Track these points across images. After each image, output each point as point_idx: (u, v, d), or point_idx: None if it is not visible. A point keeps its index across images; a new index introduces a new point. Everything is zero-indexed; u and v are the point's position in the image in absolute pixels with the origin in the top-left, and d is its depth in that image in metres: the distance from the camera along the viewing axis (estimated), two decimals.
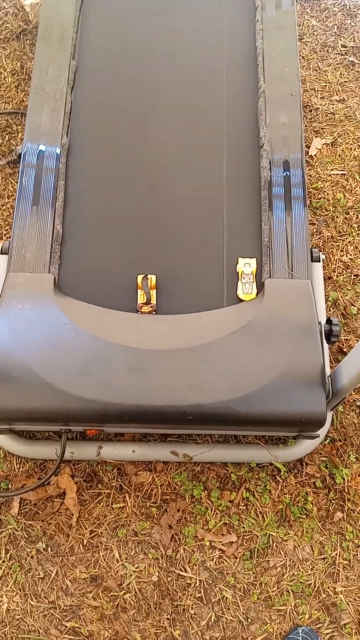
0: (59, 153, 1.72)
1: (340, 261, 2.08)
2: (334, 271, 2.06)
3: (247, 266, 1.60)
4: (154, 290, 1.58)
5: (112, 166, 1.74)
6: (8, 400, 1.39)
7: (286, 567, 1.63)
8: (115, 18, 1.99)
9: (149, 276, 1.57)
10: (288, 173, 1.72)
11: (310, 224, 2.14)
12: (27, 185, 1.68)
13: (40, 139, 1.73)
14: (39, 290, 1.53)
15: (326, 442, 1.78)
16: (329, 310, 1.99)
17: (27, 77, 2.39)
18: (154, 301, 1.56)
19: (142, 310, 1.55)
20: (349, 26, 2.69)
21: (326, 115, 2.40)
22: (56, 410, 1.39)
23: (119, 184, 1.72)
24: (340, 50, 2.61)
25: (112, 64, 1.90)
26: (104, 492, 1.69)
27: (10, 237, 1.66)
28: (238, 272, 1.60)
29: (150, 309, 1.55)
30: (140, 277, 1.57)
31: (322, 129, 2.36)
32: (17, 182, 1.91)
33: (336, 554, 1.65)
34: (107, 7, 2.01)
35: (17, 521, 1.66)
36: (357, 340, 1.91)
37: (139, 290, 1.57)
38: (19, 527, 1.65)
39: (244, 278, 1.59)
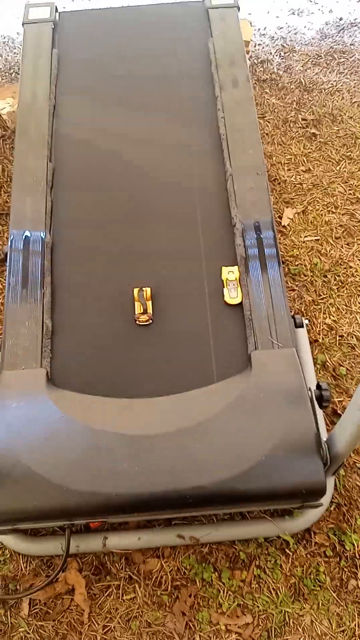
0: (43, 250, 1.80)
1: (324, 323, 2.13)
2: (319, 334, 2.11)
3: (230, 274, 1.75)
4: (150, 302, 1.70)
5: (95, 260, 1.82)
6: (8, 502, 1.39)
7: None
8: (87, 120, 2.13)
9: (144, 288, 1.71)
10: (262, 248, 1.79)
11: (290, 290, 2.21)
12: (14, 283, 1.75)
13: (24, 238, 1.82)
14: (32, 386, 1.57)
15: (332, 508, 1.77)
16: (319, 372, 2.02)
17: (8, 179, 2.53)
18: (150, 310, 1.68)
19: (139, 319, 1.67)
20: (306, 101, 2.88)
21: (294, 186, 2.52)
22: (57, 507, 1.39)
23: (102, 277, 1.79)
24: (301, 124, 2.78)
25: (89, 163, 2.02)
26: (114, 584, 1.66)
27: (1, 334, 1.72)
28: (223, 280, 1.74)
29: (147, 317, 1.67)
30: (136, 290, 1.71)
31: (292, 199, 2.48)
32: (5, 280, 1.99)
33: (355, 625, 1.61)
34: (78, 110, 2.15)
35: (28, 623, 1.62)
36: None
37: (135, 303, 1.70)
38: (30, 629, 1.61)
39: (229, 284, 1.72)
